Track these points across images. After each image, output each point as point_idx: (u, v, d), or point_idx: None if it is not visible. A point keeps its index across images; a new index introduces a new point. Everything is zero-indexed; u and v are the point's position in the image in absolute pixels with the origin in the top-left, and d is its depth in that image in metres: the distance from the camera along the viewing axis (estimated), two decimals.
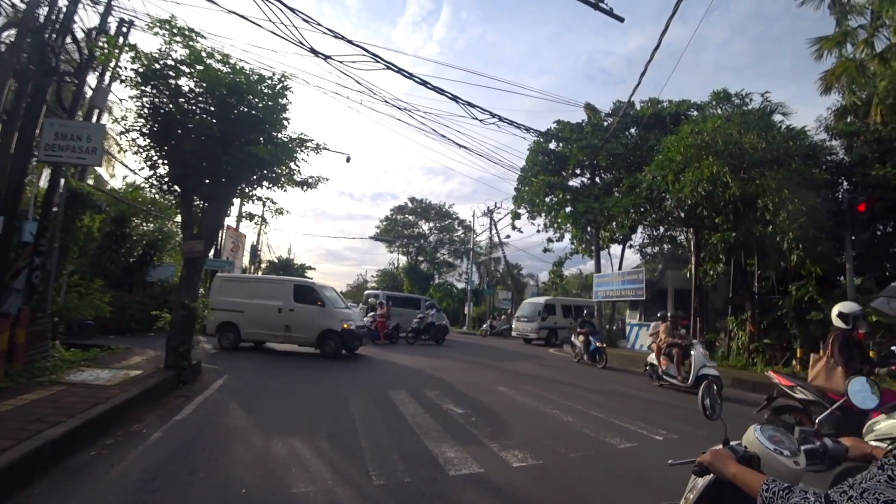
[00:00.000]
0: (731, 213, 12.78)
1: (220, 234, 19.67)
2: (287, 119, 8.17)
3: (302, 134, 8.48)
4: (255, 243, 34.55)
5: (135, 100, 7.53)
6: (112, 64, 8.28)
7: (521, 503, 3.60)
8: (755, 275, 13.63)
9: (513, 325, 23.60)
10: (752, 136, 11.67)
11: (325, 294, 12.43)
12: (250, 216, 12.18)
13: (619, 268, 22.81)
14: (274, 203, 9.74)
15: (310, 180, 9.17)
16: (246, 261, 32.28)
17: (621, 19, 8.73)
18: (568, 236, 22.99)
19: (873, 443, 1.78)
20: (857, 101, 13.16)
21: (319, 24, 9.41)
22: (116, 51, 8.04)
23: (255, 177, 8.52)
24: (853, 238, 10.36)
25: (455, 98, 11.28)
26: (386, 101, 13.79)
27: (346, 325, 11.82)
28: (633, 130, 20.74)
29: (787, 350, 12.32)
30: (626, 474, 4.36)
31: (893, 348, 3.11)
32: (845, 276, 10.67)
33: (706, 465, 1.38)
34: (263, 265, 35.08)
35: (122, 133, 7.80)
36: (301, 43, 9.63)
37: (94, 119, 11.41)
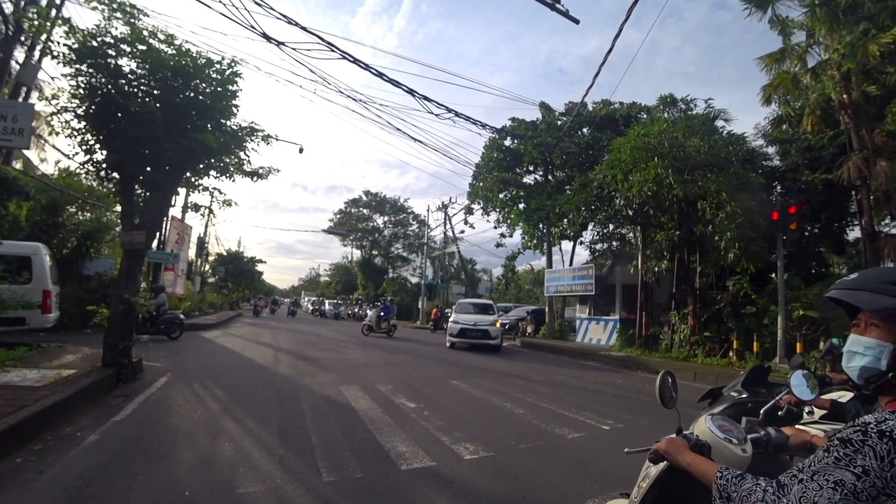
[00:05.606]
0: (676, 212, 13.42)
1: (163, 225, 18.75)
2: (237, 106, 7.81)
3: (252, 123, 8.16)
4: (202, 235, 33.21)
5: (69, 78, 6.98)
6: (43, 38, 7.66)
7: (472, 495, 3.65)
8: (697, 271, 14.38)
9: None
10: (696, 140, 12.28)
11: None
12: (196, 207, 11.69)
13: (570, 264, 23.39)
14: (222, 193, 9.40)
15: (260, 171, 8.83)
16: (192, 253, 30.95)
17: (576, 21, 8.93)
18: (520, 232, 23.39)
19: (812, 431, 1.92)
20: (791, 112, 14.05)
21: (273, 9, 9.12)
22: (48, 23, 7.44)
23: (201, 166, 8.12)
24: (784, 238, 11.15)
25: (411, 91, 11.22)
26: (341, 92, 13.48)
27: None
28: (585, 130, 21.28)
29: (724, 342, 13.08)
30: (574, 464, 4.51)
31: (834, 341, 3.30)
32: (776, 272, 11.45)
33: (661, 452, 1.42)
34: (211, 258, 33.76)
35: (53, 114, 7.24)
36: (253, 27, 9.28)
37: (22, 98, 10.54)
